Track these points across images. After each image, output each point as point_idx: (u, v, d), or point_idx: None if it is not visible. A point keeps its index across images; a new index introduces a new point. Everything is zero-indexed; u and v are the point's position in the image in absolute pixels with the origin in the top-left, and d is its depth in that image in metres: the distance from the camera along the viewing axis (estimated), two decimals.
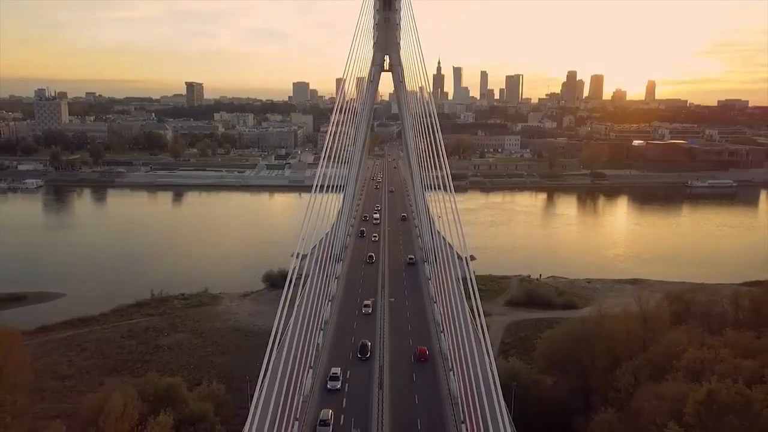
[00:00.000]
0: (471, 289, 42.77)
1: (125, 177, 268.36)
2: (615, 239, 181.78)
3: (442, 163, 56.98)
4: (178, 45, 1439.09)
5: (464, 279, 48.23)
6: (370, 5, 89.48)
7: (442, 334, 59.13)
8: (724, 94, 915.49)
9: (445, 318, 57.55)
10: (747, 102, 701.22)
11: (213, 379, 64.48)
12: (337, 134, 72.26)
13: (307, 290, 50.26)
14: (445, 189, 53.65)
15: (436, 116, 63.99)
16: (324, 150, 62.76)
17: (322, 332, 59.53)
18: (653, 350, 48.10)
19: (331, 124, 76.14)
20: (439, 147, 58.43)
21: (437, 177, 61.19)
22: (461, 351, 44.66)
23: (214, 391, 56.44)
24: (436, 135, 61.02)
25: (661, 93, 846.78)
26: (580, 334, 57.64)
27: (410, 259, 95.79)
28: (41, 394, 65.25)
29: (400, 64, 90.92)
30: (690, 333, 50.07)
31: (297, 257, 45.12)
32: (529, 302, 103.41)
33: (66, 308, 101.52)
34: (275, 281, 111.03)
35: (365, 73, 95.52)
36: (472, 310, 43.20)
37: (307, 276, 52.81)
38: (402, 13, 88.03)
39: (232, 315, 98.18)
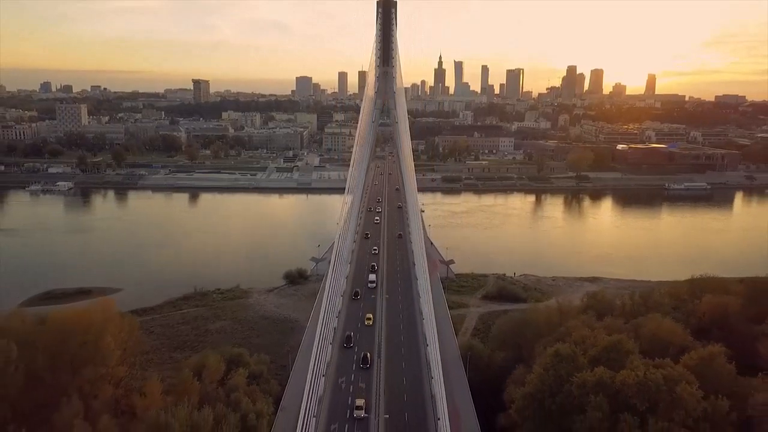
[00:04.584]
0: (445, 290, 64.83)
1: (147, 179, 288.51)
2: (594, 242, 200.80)
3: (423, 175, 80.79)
4: (179, 36, 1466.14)
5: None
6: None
7: (424, 321, 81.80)
8: (725, 86, 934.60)
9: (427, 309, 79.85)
10: (744, 97, 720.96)
11: (258, 354, 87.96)
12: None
13: (326, 287, 72.10)
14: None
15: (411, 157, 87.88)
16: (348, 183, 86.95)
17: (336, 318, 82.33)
18: (560, 331, 71.25)
19: (353, 153, 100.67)
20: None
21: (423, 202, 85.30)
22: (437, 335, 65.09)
23: (263, 359, 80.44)
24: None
25: (663, 85, 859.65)
26: (518, 321, 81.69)
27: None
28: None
29: (395, 107, 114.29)
30: (585, 320, 73.70)
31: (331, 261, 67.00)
32: (501, 296, 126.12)
33: (126, 300, 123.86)
34: (294, 278, 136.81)
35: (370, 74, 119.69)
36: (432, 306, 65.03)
37: (326, 273, 73.65)
38: (396, 70, 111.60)
39: (262, 306, 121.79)
